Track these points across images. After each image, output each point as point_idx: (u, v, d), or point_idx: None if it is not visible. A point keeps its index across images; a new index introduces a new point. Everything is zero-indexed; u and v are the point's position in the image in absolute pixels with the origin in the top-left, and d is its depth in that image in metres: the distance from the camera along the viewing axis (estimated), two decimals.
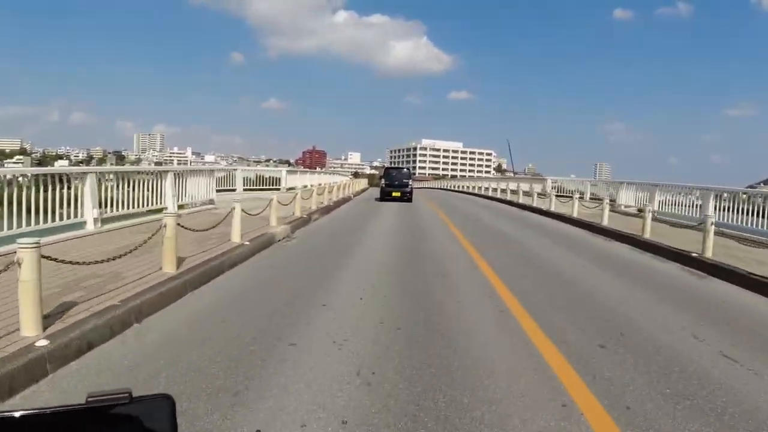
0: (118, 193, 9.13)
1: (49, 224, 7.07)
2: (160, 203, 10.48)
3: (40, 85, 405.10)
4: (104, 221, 8.35)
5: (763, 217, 10.66)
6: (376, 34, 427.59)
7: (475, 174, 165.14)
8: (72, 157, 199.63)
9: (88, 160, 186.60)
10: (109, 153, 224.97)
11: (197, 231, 6.90)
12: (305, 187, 23.68)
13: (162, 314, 4.41)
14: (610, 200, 19.22)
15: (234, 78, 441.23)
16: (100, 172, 9.05)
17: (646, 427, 2.64)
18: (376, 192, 34.78)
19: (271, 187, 21.10)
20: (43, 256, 3.48)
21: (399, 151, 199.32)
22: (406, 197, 21.47)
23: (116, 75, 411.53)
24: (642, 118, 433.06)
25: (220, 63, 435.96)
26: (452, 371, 3.29)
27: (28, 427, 0.61)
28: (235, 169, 20.07)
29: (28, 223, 6.61)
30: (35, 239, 3.49)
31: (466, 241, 9.52)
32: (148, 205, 10.02)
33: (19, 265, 3.30)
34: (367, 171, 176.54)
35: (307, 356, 3.49)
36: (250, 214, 9.03)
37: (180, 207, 11.35)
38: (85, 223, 7.90)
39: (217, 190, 17.33)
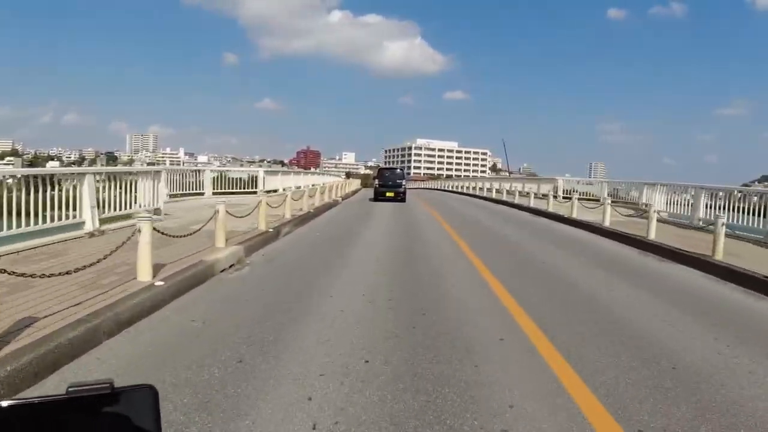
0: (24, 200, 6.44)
1: None
2: (75, 216, 7.84)
3: (33, 86, 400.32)
4: None
5: None
6: (370, 34, 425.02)
7: (471, 174, 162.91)
8: (64, 159, 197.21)
9: (80, 161, 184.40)
10: (101, 154, 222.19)
11: (87, 267, 4.27)
12: (290, 188, 21.12)
13: None
14: (644, 205, 16.79)
15: (228, 78, 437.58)
16: None
17: None
18: (368, 193, 32.37)
19: (246, 190, 18.43)
20: None
21: (394, 150, 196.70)
22: (400, 197, 21.77)
23: (110, 76, 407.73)
24: (637, 117, 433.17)
25: (214, 63, 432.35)
26: None
27: (8, 419, 0.60)
28: (202, 170, 17.35)
29: None
30: None
31: (485, 269, 6.98)
32: (56, 220, 7.37)
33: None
34: (362, 171, 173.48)
35: None
36: (179, 235, 6.43)
37: (106, 221, 8.72)
38: None
39: (172, 195, 14.77)
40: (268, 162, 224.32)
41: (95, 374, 3.21)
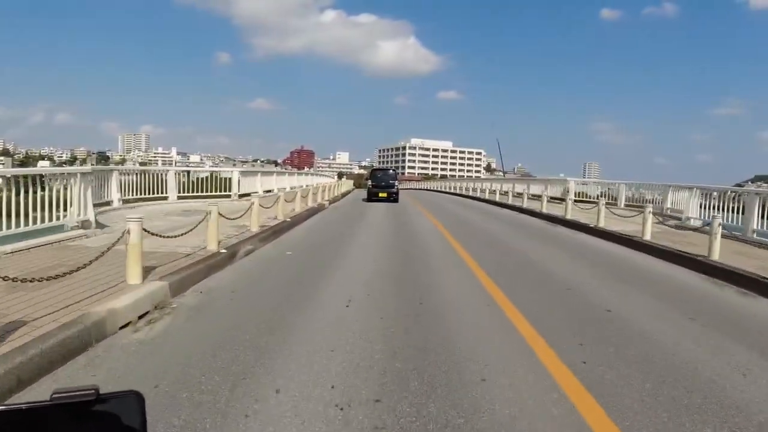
0: None
1: None
2: None
3: (25, 85, 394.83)
4: None
5: None
6: (364, 33, 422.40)
7: (465, 174, 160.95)
8: (56, 158, 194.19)
9: (71, 161, 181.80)
10: (93, 153, 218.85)
11: None
12: (272, 191, 18.83)
13: None
14: (668, 210, 14.47)
15: (221, 78, 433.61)
16: None
17: None
18: (361, 194, 30.15)
19: (219, 193, 16.14)
20: None
21: (388, 150, 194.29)
22: (393, 197, 22.30)
23: (103, 75, 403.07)
24: (630, 117, 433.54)
25: (206, 63, 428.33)
26: None
27: None
28: (165, 170, 15.02)
29: None
30: None
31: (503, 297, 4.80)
32: None
33: None
34: (356, 171, 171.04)
35: None
36: (80, 266, 4.22)
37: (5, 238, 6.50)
38: None
39: (127, 201, 12.50)
40: (262, 162, 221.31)
41: None
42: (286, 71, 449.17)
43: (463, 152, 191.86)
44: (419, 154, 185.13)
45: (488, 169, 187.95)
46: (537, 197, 21.96)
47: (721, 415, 2.87)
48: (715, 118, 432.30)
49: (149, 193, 14.20)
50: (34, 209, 7.31)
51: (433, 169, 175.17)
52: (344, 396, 2.96)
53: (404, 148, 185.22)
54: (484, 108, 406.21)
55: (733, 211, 11.80)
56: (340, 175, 66.41)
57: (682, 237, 10.52)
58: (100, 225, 8.75)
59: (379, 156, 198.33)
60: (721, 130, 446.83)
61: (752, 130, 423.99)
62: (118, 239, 5.04)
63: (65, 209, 7.96)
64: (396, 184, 23.06)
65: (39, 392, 2.96)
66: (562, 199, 20.63)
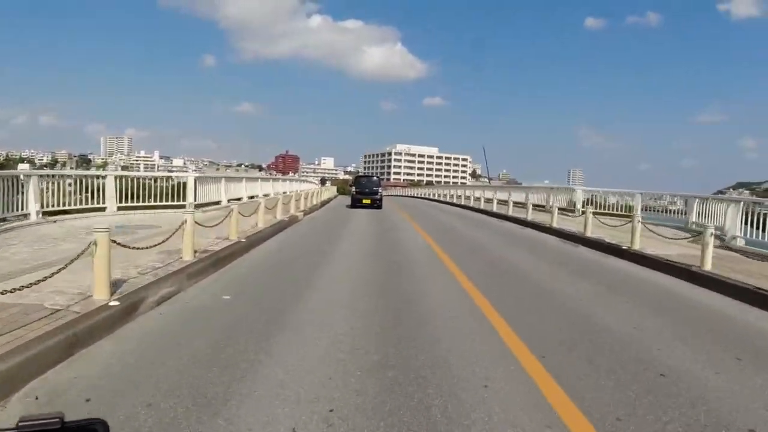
0: None
1: None
2: None
3: (7, 86, 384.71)
4: None
5: None
6: (350, 39, 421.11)
7: (451, 180, 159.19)
8: (36, 161, 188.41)
9: (52, 164, 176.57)
10: (74, 156, 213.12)
11: None
12: (241, 199, 16.28)
13: None
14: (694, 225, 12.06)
15: (206, 82, 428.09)
16: None
17: None
18: (344, 201, 27.85)
19: (172, 202, 13.55)
20: None
21: (374, 156, 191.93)
22: (376, 204, 22.39)
23: (88, 77, 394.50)
24: (613, 124, 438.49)
25: (192, 66, 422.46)
26: None
27: None
28: (101, 174, 12.41)
29: None
30: None
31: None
32: None
33: None
34: (341, 176, 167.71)
35: None
36: None
37: None
38: None
39: (48, 213, 10.00)
40: (246, 166, 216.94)
41: None
42: (273, 76, 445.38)
43: (449, 158, 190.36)
44: (405, 160, 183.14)
45: (474, 175, 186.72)
46: (541, 207, 19.92)
47: None
48: (698, 125, 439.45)
49: (84, 203, 11.66)
50: None
51: (419, 175, 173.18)
52: None
53: (390, 153, 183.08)
54: (470, 114, 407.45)
55: None
56: (323, 181, 63.83)
57: (746, 265, 8.33)
58: None
59: (365, 162, 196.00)
60: (704, 138, 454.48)
61: (735, 137, 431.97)
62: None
63: None
64: (380, 190, 23.45)
65: None
66: (570, 210, 18.58)
